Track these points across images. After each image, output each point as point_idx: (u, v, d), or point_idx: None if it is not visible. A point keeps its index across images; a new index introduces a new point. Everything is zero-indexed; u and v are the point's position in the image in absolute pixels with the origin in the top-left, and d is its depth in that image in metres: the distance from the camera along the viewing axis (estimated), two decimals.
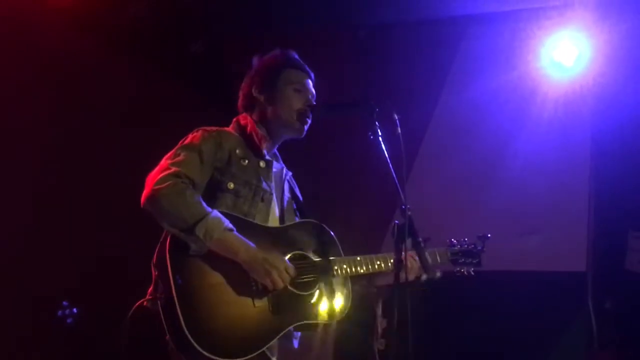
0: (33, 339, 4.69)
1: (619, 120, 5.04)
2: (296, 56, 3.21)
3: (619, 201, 5.15)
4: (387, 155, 2.81)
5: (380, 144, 2.83)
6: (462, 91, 5.28)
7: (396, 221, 2.66)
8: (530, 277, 5.13)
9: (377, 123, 2.87)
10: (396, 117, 2.79)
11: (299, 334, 3.07)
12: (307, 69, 3.19)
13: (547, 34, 5.07)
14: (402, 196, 2.70)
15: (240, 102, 3.24)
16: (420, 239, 2.69)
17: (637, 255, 5.18)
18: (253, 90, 3.17)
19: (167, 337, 2.75)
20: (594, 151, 5.23)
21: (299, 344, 3.11)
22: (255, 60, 3.24)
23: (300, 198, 3.31)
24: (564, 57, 5.11)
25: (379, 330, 3.01)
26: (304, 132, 3.13)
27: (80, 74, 4.93)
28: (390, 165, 2.79)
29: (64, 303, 4.63)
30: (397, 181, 2.75)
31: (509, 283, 5.07)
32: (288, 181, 3.27)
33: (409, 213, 2.65)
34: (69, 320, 4.57)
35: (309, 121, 3.12)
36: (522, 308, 5.04)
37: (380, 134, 2.85)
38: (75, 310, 4.60)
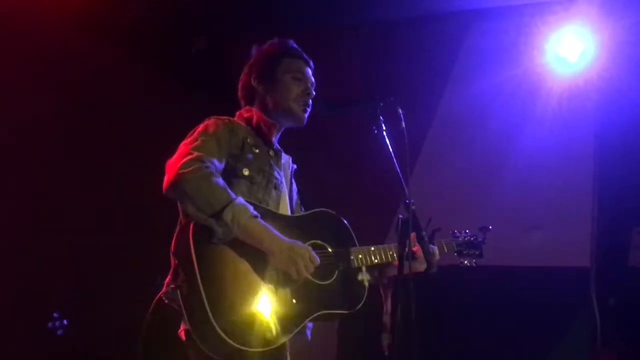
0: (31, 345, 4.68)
1: (623, 115, 5.02)
2: (294, 45, 3.18)
3: (623, 197, 5.14)
4: (391, 150, 2.79)
5: (384, 139, 2.82)
6: (466, 87, 5.28)
7: (400, 216, 2.65)
8: (534, 272, 5.11)
9: (381, 118, 2.85)
10: (400, 112, 2.77)
11: (312, 325, 3.02)
12: (306, 57, 3.16)
13: (551, 29, 5.06)
14: (406, 191, 2.69)
15: (240, 94, 3.21)
16: (424, 233, 2.69)
17: None
18: (252, 80, 3.14)
19: (184, 327, 2.74)
20: (598, 147, 5.21)
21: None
22: (254, 50, 3.21)
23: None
24: (569, 52, 5.09)
25: (387, 325, 2.97)
26: (305, 120, 3.10)
27: (80, 73, 4.93)
28: (395, 159, 2.77)
29: (55, 315, 4.61)
30: (401, 176, 2.73)
31: (512, 278, 5.06)
32: (291, 172, 3.26)
33: (413, 207, 2.65)
34: (59, 332, 4.55)
35: (309, 109, 3.09)
36: (525, 303, 5.02)
37: (384, 128, 2.83)
38: (65, 321, 4.58)
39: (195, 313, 2.63)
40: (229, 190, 2.73)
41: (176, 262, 2.76)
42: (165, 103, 5.35)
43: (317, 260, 2.81)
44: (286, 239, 2.77)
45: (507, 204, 5.15)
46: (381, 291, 3.11)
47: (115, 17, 4.96)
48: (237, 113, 3.15)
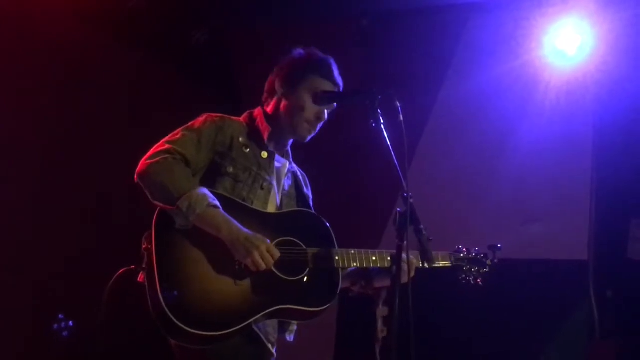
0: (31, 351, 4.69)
1: (621, 108, 5.02)
2: (330, 62, 3.14)
3: (621, 190, 5.14)
4: (389, 143, 2.80)
5: (383, 132, 2.82)
6: (465, 80, 5.27)
7: (398, 209, 2.67)
8: (532, 265, 5.12)
9: (379, 111, 2.85)
10: (398, 105, 2.77)
11: (295, 327, 3.07)
12: (337, 79, 3.12)
13: (549, 22, 5.05)
14: (404, 184, 2.71)
15: (265, 87, 3.23)
16: (422, 227, 2.69)
17: (639, 244, 5.17)
18: (276, 83, 3.15)
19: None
20: (596, 140, 5.21)
21: (296, 338, 3.10)
22: (294, 51, 3.19)
23: (310, 197, 3.30)
24: (567, 45, 5.08)
25: (379, 324, 2.99)
26: (307, 140, 3.14)
27: (81, 65, 4.92)
28: (393, 153, 2.78)
29: (60, 316, 4.61)
30: (399, 169, 2.74)
31: (510, 271, 5.04)
32: (296, 178, 3.26)
33: (411, 201, 2.66)
34: (64, 334, 4.55)
35: (315, 133, 3.12)
36: (524, 296, 5.03)
37: (382, 121, 2.84)
38: (71, 323, 4.58)
39: (151, 296, 2.70)
40: (192, 181, 2.83)
41: (144, 245, 2.82)
42: (166, 96, 5.35)
43: (277, 253, 2.81)
44: (245, 229, 2.79)
45: (505, 196, 5.16)
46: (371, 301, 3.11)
47: (116, 8, 4.95)
48: (248, 111, 3.19)
